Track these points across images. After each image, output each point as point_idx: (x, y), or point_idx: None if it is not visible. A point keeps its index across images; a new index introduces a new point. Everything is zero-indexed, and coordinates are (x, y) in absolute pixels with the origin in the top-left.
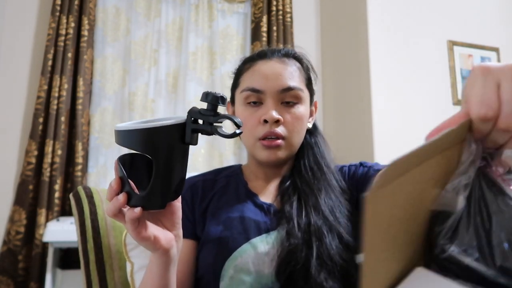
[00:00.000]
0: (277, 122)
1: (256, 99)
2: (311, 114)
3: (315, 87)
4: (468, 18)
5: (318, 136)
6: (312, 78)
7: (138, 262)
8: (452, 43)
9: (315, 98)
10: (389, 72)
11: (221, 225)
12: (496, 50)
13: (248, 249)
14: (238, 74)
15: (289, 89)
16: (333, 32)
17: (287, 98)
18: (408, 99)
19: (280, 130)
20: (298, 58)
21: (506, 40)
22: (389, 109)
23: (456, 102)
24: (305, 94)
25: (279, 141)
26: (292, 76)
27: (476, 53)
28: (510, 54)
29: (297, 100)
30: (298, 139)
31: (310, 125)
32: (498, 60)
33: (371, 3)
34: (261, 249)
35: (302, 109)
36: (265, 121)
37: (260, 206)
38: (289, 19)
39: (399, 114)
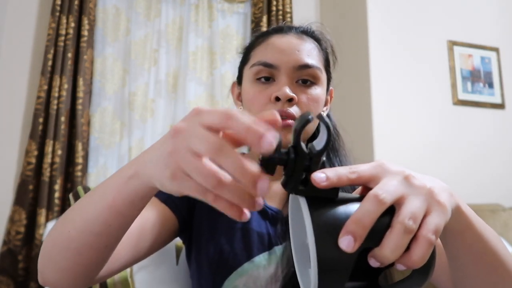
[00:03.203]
0: (290, 101)
1: (268, 75)
2: (325, 103)
3: (333, 73)
4: (468, 18)
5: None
6: (331, 62)
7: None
8: (452, 43)
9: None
10: (389, 72)
11: (223, 236)
12: (496, 50)
13: (250, 268)
14: (249, 48)
15: (306, 66)
16: (333, 32)
17: (303, 77)
18: (408, 99)
19: (294, 110)
20: (316, 38)
21: (506, 40)
22: (389, 109)
23: (456, 102)
24: (323, 76)
25: (291, 122)
26: (310, 53)
27: (476, 53)
28: (510, 54)
29: (315, 80)
30: (312, 124)
31: (324, 114)
32: (498, 60)
33: (371, 3)
34: (264, 269)
35: (319, 91)
36: (277, 99)
37: (264, 212)
38: (289, 19)
39: (399, 114)
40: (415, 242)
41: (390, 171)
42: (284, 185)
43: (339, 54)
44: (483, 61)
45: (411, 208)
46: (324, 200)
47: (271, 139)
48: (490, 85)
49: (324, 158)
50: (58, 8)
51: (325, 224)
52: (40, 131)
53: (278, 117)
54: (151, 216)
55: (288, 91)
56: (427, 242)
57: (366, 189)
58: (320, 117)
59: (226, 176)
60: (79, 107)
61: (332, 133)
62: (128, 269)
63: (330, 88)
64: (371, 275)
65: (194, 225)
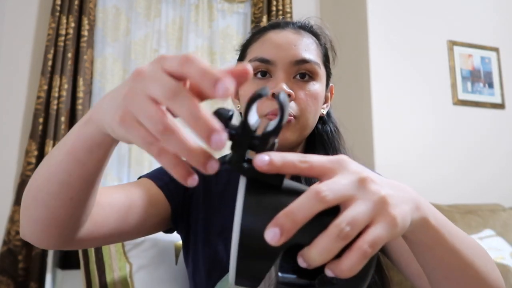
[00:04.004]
0: (288, 97)
1: (265, 70)
2: (325, 100)
3: (332, 69)
4: (468, 18)
5: (331, 125)
6: (330, 58)
7: (137, 263)
8: (452, 43)
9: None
10: (389, 72)
11: (216, 236)
12: (496, 50)
13: None
14: (246, 45)
15: (304, 61)
16: (333, 31)
17: (301, 71)
18: (408, 98)
19: (291, 107)
20: (314, 33)
21: (506, 40)
22: (389, 109)
23: (456, 102)
24: (322, 71)
25: (290, 119)
26: (308, 48)
27: (476, 53)
28: (510, 54)
29: (313, 75)
30: (310, 121)
31: (324, 112)
32: (498, 60)
33: (371, 3)
34: None
35: (317, 87)
36: (274, 96)
37: None
38: (289, 19)
39: (399, 113)
40: (348, 251)
41: (347, 169)
42: (228, 161)
43: (339, 54)
44: (483, 61)
45: (353, 213)
46: (266, 185)
47: (227, 84)
48: (490, 85)
49: (276, 141)
50: (58, 8)
51: (256, 209)
52: (40, 131)
53: (250, 69)
54: (143, 195)
55: (285, 87)
56: (360, 254)
57: None
58: (275, 96)
59: (174, 123)
60: (79, 107)
61: (285, 114)
62: (128, 269)
63: (330, 84)
64: (313, 273)
65: (191, 223)
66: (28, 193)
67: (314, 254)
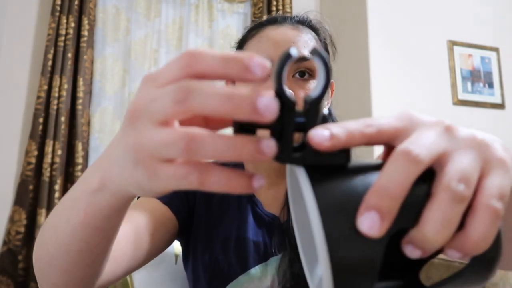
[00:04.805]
0: None
1: None
2: None
3: (333, 64)
4: (468, 18)
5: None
6: (330, 53)
7: None
8: (452, 43)
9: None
10: (389, 72)
11: (217, 245)
12: (496, 50)
13: (245, 281)
14: (242, 42)
15: (303, 59)
16: (333, 32)
17: (300, 70)
18: (408, 99)
19: None
20: (314, 28)
21: (506, 40)
22: (389, 109)
23: (456, 102)
24: None
25: None
26: (307, 45)
27: (476, 53)
28: (510, 54)
29: (313, 73)
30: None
31: (324, 110)
32: (498, 60)
33: (371, 3)
34: (260, 281)
35: None
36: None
37: (261, 219)
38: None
39: None
40: (472, 215)
41: (422, 122)
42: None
43: (339, 55)
44: (483, 61)
45: (460, 166)
46: (330, 169)
47: (261, 61)
48: (490, 85)
49: (326, 111)
50: (58, 8)
51: (334, 200)
52: (40, 131)
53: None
54: (151, 217)
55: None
56: (491, 213)
57: (390, 153)
58: (314, 52)
59: (194, 130)
60: (79, 107)
61: (331, 73)
62: None
63: (331, 80)
64: (408, 271)
65: (192, 231)
66: (40, 259)
67: (430, 233)
